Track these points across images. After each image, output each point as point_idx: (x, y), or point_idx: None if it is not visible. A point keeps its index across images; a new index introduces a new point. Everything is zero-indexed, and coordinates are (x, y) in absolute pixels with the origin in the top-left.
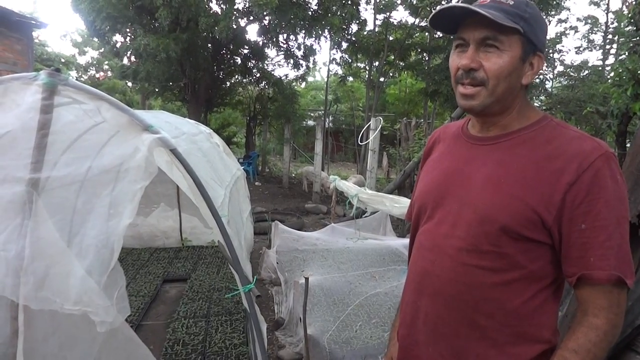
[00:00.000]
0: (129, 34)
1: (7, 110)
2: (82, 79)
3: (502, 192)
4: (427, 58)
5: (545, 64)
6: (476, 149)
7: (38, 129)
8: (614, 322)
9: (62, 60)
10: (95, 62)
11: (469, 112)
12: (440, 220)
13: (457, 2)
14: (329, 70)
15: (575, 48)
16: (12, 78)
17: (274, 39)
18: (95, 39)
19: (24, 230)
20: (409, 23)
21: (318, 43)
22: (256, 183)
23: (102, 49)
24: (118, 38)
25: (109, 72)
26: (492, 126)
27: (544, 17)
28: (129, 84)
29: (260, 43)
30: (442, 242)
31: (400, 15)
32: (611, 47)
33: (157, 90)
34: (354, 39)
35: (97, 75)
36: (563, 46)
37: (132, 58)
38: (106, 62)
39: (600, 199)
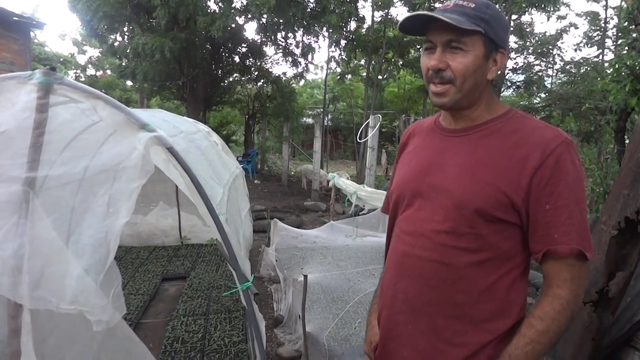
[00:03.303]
0: (126, 33)
1: (2, 110)
2: (81, 78)
3: (475, 179)
4: None
5: (545, 61)
6: (449, 140)
7: (34, 128)
8: (576, 292)
9: (61, 59)
10: (95, 61)
11: (441, 108)
12: (419, 206)
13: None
14: (327, 68)
15: (575, 45)
16: (6, 77)
17: (272, 37)
18: (94, 39)
19: (20, 229)
20: None
21: (316, 41)
22: (255, 181)
23: (101, 48)
24: (116, 37)
25: (108, 71)
26: (462, 119)
27: (543, 13)
28: (129, 82)
29: (259, 41)
30: (422, 227)
31: (399, 12)
32: (613, 44)
33: (155, 89)
34: (352, 36)
35: (98, 74)
36: (563, 42)
37: (131, 57)
38: (105, 61)
39: (561, 181)
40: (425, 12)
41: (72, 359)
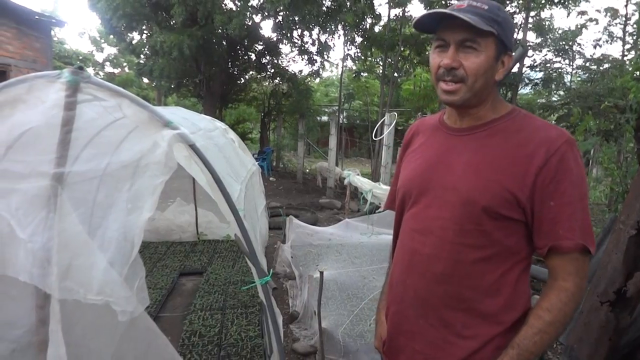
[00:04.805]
0: (145, 31)
1: (32, 107)
2: (99, 75)
3: (481, 177)
4: None
5: (564, 58)
6: (455, 139)
7: (62, 125)
8: (580, 285)
9: (80, 57)
10: (113, 59)
11: (450, 105)
12: (426, 204)
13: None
14: (343, 66)
15: (595, 41)
16: (36, 76)
17: (288, 35)
18: (112, 37)
19: (49, 223)
20: None
21: (332, 40)
22: (271, 178)
23: (119, 46)
24: (134, 35)
25: (126, 69)
26: (467, 117)
27: (566, 9)
28: (145, 80)
29: (275, 39)
30: (430, 224)
31: (416, 9)
32: (635, 41)
33: (172, 86)
34: (367, 34)
35: (116, 72)
36: (581, 39)
37: (149, 55)
38: (123, 59)
39: (565, 179)
40: (444, 10)
41: (96, 348)
